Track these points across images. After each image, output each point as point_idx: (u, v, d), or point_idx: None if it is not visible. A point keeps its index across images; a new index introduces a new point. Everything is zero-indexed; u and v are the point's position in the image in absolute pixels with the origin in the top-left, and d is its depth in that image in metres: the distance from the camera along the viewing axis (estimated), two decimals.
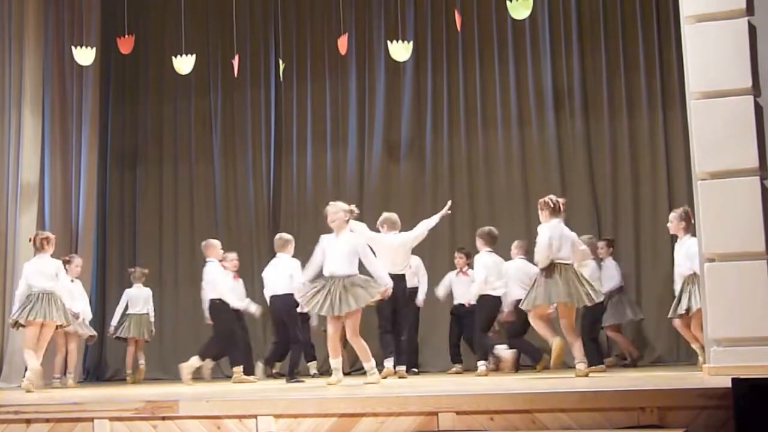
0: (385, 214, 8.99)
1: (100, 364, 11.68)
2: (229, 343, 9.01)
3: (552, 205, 7.58)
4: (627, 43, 10.62)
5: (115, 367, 11.63)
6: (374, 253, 8.22)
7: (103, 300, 11.83)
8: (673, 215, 8.16)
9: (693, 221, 7.61)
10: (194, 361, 8.94)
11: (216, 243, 9.22)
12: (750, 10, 6.14)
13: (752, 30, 6.11)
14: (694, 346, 8.15)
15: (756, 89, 6.09)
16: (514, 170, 10.87)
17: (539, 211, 7.66)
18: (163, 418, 5.25)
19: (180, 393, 6.75)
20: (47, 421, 5.44)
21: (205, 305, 9.10)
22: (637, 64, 10.54)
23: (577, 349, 7.44)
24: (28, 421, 5.47)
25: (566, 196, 10.52)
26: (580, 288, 7.45)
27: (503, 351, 8.82)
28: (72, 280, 9.53)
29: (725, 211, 6.02)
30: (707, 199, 6.13)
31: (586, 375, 7.27)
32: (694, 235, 7.19)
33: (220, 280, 8.97)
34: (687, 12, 6.36)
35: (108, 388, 8.84)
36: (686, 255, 7.90)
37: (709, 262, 6.12)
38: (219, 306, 8.95)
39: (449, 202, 9.11)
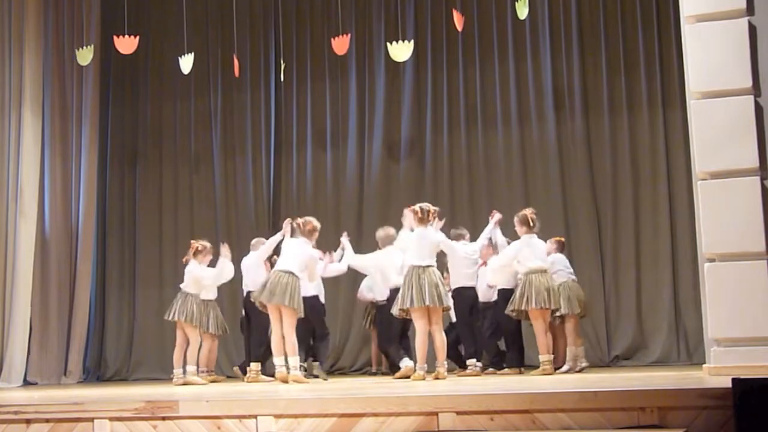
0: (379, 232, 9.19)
1: (100, 364, 11.69)
2: (265, 336, 9.08)
3: (420, 215, 8.08)
4: (627, 43, 10.61)
5: (115, 367, 11.64)
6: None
7: (102, 300, 11.84)
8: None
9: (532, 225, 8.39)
10: (257, 367, 9.01)
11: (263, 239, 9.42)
12: (750, 10, 6.16)
13: (752, 30, 6.12)
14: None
15: (756, 89, 6.10)
16: (514, 170, 10.87)
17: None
18: (163, 418, 5.25)
19: (180, 393, 6.76)
20: (47, 421, 5.44)
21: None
22: (637, 64, 10.54)
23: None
24: (28, 421, 5.47)
25: (566, 195, 10.64)
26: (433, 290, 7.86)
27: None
28: None
29: (725, 211, 6.03)
30: (707, 199, 6.14)
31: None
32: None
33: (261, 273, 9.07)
34: (687, 12, 6.37)
35: (108, 388, 8.84)
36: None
37: (709, 262, 6.13)
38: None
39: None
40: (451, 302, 8.22)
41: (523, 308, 8.25)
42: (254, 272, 9.11)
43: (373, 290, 9.61)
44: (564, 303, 8.52)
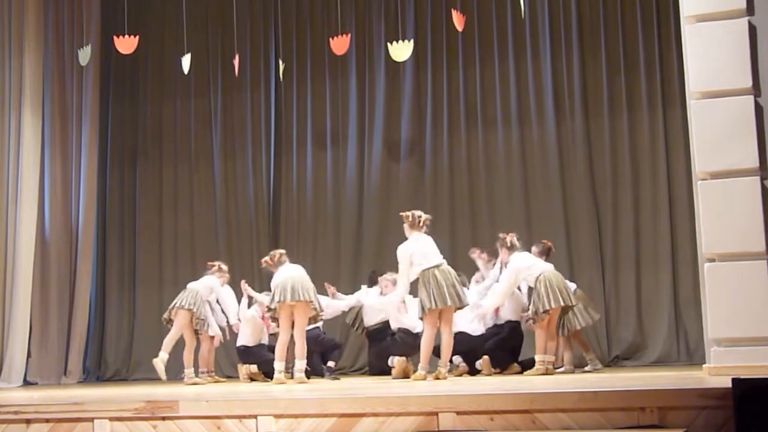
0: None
1: (100, 364, 11.69)
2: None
3: (411, 219, 7.89)
4: (627, 43, 10.61)
5: (115, 367, 11.64)
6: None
7: (103, 300, 11.83)
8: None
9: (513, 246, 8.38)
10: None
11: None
12: (750, 10, 6.15)
13: (752, 30, 6.12)
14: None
15: (756, 89, 6.09)
16: (514, 170, 10.86)
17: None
18: (163, 418, 5.25)
19: (180, 393, 6.76)
20: (47, 421, 5.44)
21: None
22: (637, 64, 10.53)
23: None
24: (28, 421, 5.48)
25: (566, 195, 10.63)
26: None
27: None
28: None
29: (725, 211, 6.03)
30: (707, 199, 6.13)
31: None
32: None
33: None
34: (687, 12, 6.36)
35: (108, 388, 8.84)
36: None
37: (709, 262, 6.13)
38: None
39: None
40: (469, 301, 8.07)
41: (545, 309, 8.03)
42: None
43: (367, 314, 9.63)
44: (578, 314, 8.50)
